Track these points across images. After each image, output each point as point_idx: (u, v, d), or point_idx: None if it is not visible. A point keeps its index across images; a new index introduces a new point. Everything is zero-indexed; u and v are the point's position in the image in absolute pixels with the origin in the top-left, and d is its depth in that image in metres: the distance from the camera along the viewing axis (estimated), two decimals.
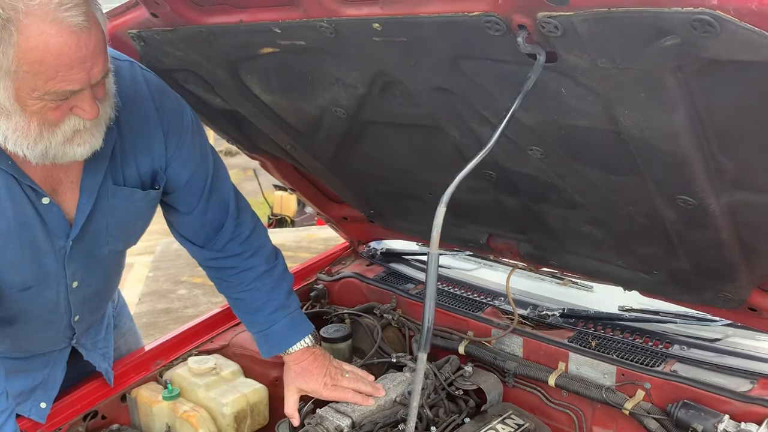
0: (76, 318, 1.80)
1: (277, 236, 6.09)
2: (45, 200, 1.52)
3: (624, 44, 1.00)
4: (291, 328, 1.89)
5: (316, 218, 6.62)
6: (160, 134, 1.63)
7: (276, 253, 1.93)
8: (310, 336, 1.91)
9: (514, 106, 1.09)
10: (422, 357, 1.01)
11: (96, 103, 1.35)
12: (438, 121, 1.53)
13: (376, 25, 1.23)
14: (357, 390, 1.85)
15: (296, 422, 1.83)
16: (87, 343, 1.93)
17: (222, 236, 1.83)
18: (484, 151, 1.08)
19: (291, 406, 1.87)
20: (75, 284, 1.70)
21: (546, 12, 1.01)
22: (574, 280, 2.25)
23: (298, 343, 1.88)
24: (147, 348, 2.21)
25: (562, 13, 1.00)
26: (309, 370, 1.88)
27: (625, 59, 1.03)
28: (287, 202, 6.79)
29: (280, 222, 6.81)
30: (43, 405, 1.84)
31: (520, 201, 1.75)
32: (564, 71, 1.13)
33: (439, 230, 1.02)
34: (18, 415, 1.76)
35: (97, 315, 1.95)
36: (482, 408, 1.94)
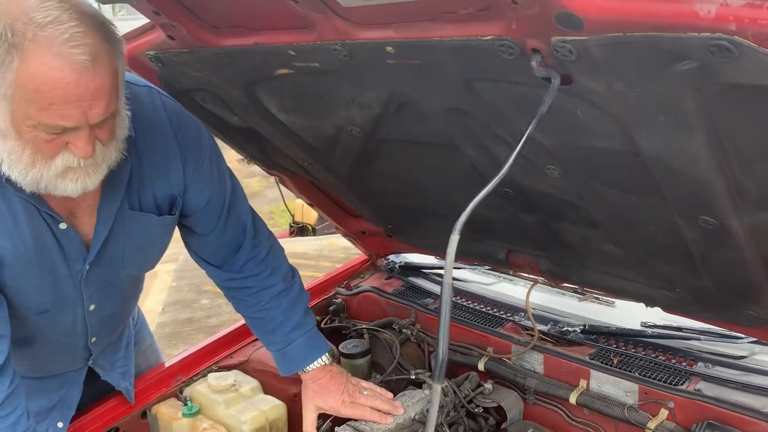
0: (93, 340, 1.81)
1: (299, 245, 6.11)
2: (62, 226, 1.53)
3: (640, 68, 0.99)
4: (308, 347, 1.89)
5: None
6: (178, 159, 1.63)
7: (293, 272, 1.93)
8: (327, 354, 1.91)
9: (528, 130, 1.08)
10: (437, 388, 1.00)
11: (93, 143, 1.32)
12: (453, 140, 1.52)
13: (389, 48, 1.22)
14: (375, 408, 1.84)
15: None
16: (105, 364, 1.95)
17: (240, 257, 1.84)
18: (498, 177, 1.07)
19: (309, 425, 1.87)
20: (92, 307, 1.71)
21: (560, 36, 1.00)
22: (595, 295, 2.21)
23: (316, 362, 1.88)
24: (167, 363, 2.23)
25: (576, 38, 0.98)
26: (327, 387, 1.88)
27: (641, 83, 1.02)
28: (309, 210, 6.81)
29: (301, 230, 6.84)
30: (60, 425, 1.85)
31: (539, 218, 1.73)
32: (579, 94, 1.12)
33: (452, 258, 1.01)
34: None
35: (114, 336, 1.96)
36: (502, 426, 1.92)
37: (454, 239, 1.01)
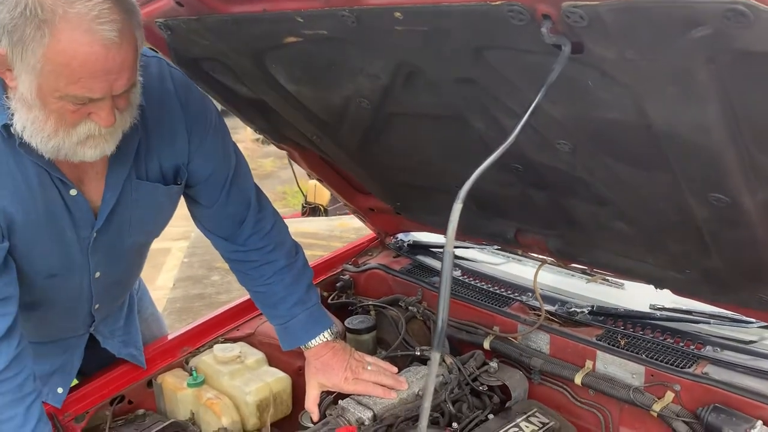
0: (97, 306, 1.84)
1: (311, 225, 6.11)
2: (72, 192, 1.57)
3: (652, 35, 0.96)
4: (310, 323, 1.90)
5: None
6: (183, 130, 1.66)
7: (296, 248, 1.94)
8: (329, 330, 1.91)
9: (537, 98, 1.06)
10: (435, 356, 0.99)
11: (114, 112, 1.38)
12: (462, 113, 1.50)
13: (398, 14, 1.20)
14: (379, 383, 1.84)
15: (316, 417, 1.83)
16: (104, 331, 1.98)
17: (243, 230, 1.85)
18: (504, 145, 1.05)
19: (312, 402, 1.87)
20: (98, 274, 1.75)
21: (571, 1, 0.97)
22: (604, 276, 2.19)
23: (317, 338, 1.89)
24: (174, 335, 2.24)
25: (588, 3, 0.96)
26: (329, 364, 1.88)
27: (653, 51, 0.99)
28: (321, 190, 6.79)
29: (313, 210, 6.82)
30: (60, 390, 1.88)
31: (549, 195, 1.71)
32: (590, 63, 1.09)
33: (455, 227, 0.99)
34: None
35: (116, 303, 1.99)
36: (506, 405, 1.91)
37: (457, 208, 0.99)
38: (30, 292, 1.66)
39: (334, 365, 1.88)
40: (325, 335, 1.90)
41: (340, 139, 1.93)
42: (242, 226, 1.85)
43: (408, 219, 2.37)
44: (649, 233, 1.60)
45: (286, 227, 1.96)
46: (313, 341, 1.89)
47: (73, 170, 1.56)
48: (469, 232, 2.16)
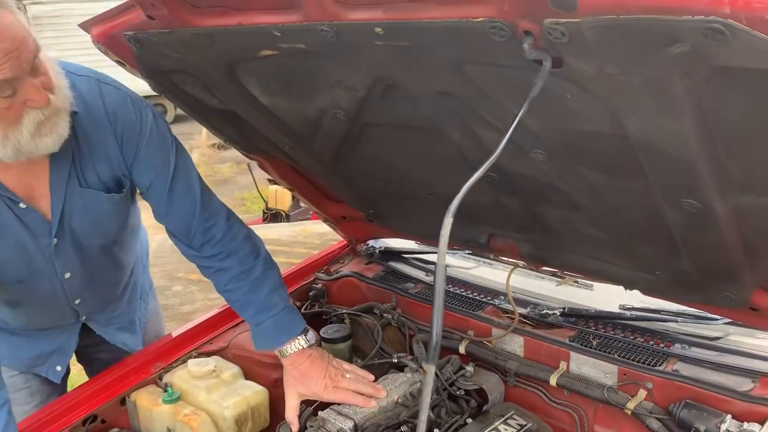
0: (77, 302, 1.98)
1: (273, 231, 6.06)
2: (22, 205, 1.70)
3: (632, 51, 0.99)
4: (277, 330, 1.91)
5: (311, 212, 6.60)
6: (114, 144, 1.75)
7: (255, 252, 1.94)
8: (304, 337, 1.91)
9: (520, 114, 1.08)
10: (431, 369, 1.00)
11: (43, 91, 1.46)
12: (439, 124, 1.52)
13: (378, 29, 1.21)
14: (357, 391, 1.85)
15: (296, 428, 1.83)
16: (101, 319, 2.13)
17: (195, 237, 1.90)
18: (490, 160, 1.07)
19: (291, 412, 1.87)
20: (67, 275, 1.88)
21: (553, 18, 1.00)
22: (574, 278, 2.24)
23: (291, 344, 1.89)
24: (145, 350, 2.21)
25: (570, 20, 0.98)
26: (308, 373, 1.88)
27: (632, 66, 1.02)
28: (282, 196, 6.75)
29: (274, 216, 6.78)
30: (58, 368, 2.09)
31: (521, 202, 1.74)
32: (569, 77, 1.12)
33: (446, 241, 1.01)
34: (38, 375, 2.11)
35: (103, 296, 2.10)
36: (484, 408, 1.93)
37: (448, 222, 1.01)
38: (7, 293, 1.84)
39: (312, 374, 1.88)
40: (301, 342, 1.90)
41: (313, 150, 1.92)
42: (191, 232, 1.89)
43: (380, 226, 2.38)
44: (620, 237, 1.64)
45: (246, 233, 1.97)
46: (288, 348, 1.90)
47: (21, 187, 1.69)
48: None
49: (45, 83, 1.47)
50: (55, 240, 1.77)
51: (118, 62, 1.81)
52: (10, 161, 1.52)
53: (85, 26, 1.76)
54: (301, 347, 1.89)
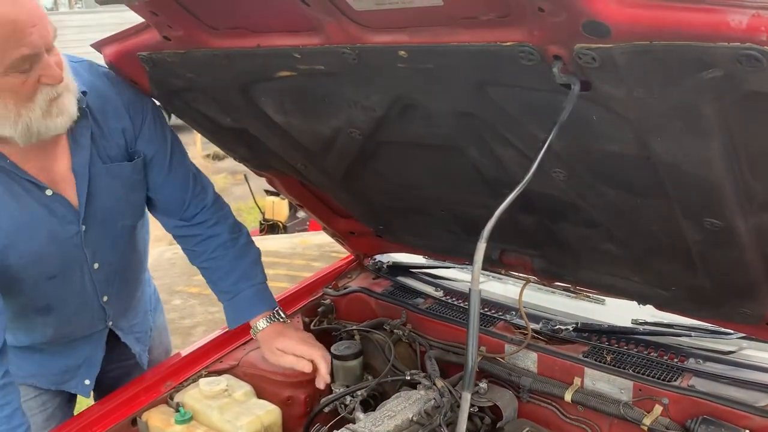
0: (105, 299, 2.00)
1: (271, 243, 6.02)
2: (48, 192, 1.70)
3: (663, 76, 1.00)
4: (256, 299, 2.02)
5: (308, 223, 6.58)
6: (125, 114, 1.81)
7: (239, 226, 2.09)
8: (278, 312, 2.05)
9: (550, 138, 1.08)
10: (466, 396, 0.99)
11: (57, 68, 1.50)
12: (457, 143, 1.52)
13: (402, 52, 1.21)
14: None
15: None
16: (124, 326, 2.15)
17: (189, 207, 2.00)
18: (522, 183, 1.08)
19: (289, 360, 1.99)
20: (96, 266, 1.90)
21: (584, 44, 1.00)
22: (587, 293, 2.24)
23: (265, 318, 2.01)
24: (155, 369, 2.19)
25: (601, 45, 0.99)
26: (282, 332, 2.01)
27: (662, 90, 1.02)
28: (279, 207, 6.73)
29: (272, 228, 6.75)
30: (87, 381, 2.10)
31: (537, 219, 1.74)
32: (597, 100, 1.12)
33: (479, 267, 1.00)
34: (54, 398, 2.12)
35: (125, 296, 2.13)
36: (498, 425, 1.93)
37: (481, 247, 1.01)
38: (39, 296, 1.82)
39: (286, 332, 2.01)
40: (276, 317, 2.03)
41: (326, 167, 1.92)
42: (186, 203, 1.99)
43: (390, 241, 2.37)
44: (637, 254, 1.64)
45: (228, 207, 2.11)
46: (261, 323, 2.01)
47: (43, 173, 1.68)
48: (453, 254, 2.19)
49: (58, 62, 1.52)
50: (84, 227, 1.79)
51: (132, 82, 1.82)
52: (21, 142, 1.53)
53: (98, 46, 1.76)
54: (274, 321, 2.02)
